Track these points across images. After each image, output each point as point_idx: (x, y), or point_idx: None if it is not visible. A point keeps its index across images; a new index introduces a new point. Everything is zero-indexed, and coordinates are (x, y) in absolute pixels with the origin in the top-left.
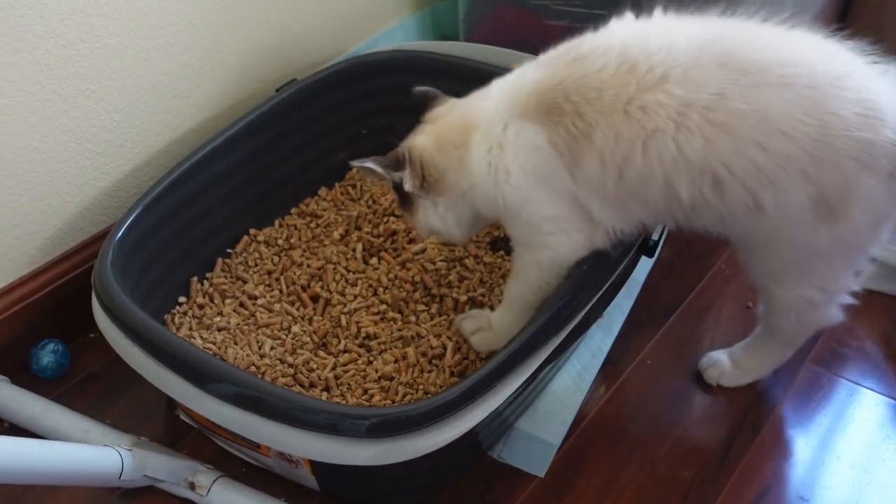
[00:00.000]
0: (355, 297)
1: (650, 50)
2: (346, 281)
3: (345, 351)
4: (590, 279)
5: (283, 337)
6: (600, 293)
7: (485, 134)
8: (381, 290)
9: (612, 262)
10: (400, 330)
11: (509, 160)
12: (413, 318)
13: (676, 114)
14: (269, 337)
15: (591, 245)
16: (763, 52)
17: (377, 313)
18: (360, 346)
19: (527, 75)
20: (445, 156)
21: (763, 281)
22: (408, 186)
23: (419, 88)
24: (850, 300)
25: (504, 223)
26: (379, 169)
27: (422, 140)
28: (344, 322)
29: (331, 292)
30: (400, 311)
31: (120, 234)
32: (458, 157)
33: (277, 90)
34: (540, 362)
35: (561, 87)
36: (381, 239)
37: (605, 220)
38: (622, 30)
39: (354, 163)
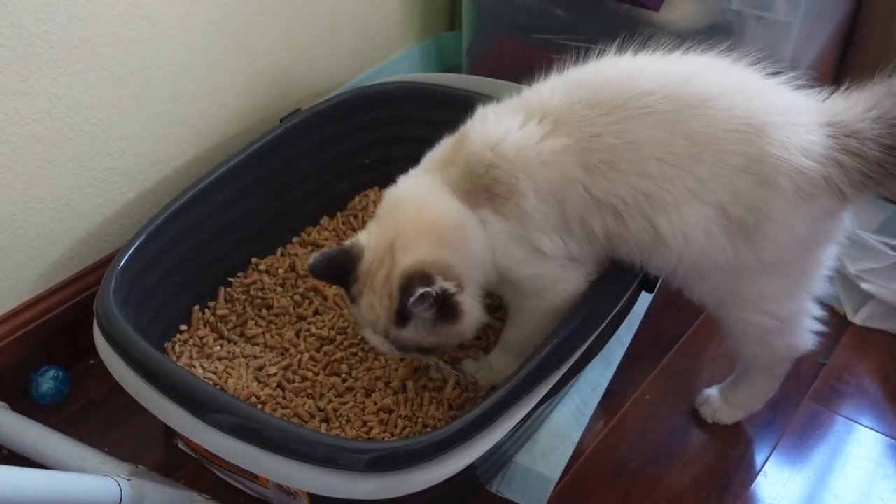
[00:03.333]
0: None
1: (532, 104)
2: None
3: (344, 382)
4: (590, 315)
5: (284, 368)
6: (600, 329)
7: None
8: None
9: (612, 299)
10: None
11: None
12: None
13: (579, 158)
14: (269, 366)
15: (583, 283)
16: (623, 86)
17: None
18: (359, 378)
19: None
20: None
21: (710, 308)
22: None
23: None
24: (817, 326)
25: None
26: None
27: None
28: (343, 356)
29: (332, 328)
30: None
31: (123, 261)
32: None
33: (282, 120)
34: (539, 398)
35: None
36: None
37: (579, 255)
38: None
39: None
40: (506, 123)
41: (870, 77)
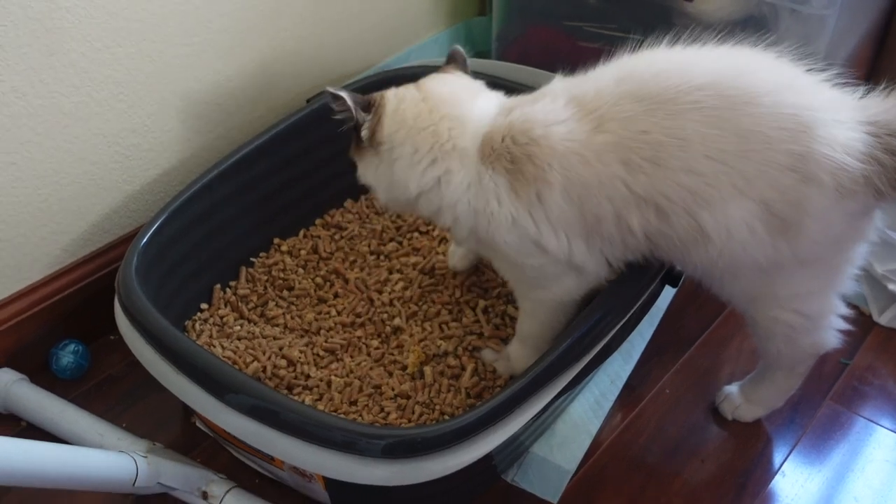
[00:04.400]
0: (382, 303)
1: (587, 94)
2: (369, 286)
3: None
4: (612, 308)
5: (303, 349)
6: (622, 322)
7: (464, 165)
8: (400, 300)
9: (636, 292)
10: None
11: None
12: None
13: (622, 156)
14: (289, 347)
15: (582, 287)
16: (673, 80)
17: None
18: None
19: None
20: (412, 136)
21: (739, 306)
22: (363, 134)
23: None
24: (842, 325)
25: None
26: (350, 103)
27: (400, 99)
28: (365, 333)
29: (352, 312)
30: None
31: (145, 238)
32: (428, 159)
33: (308, 101)
34: (559, 389)
35: (509, 132)
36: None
37: (580, 258)
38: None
39: (330, 88)
40: (557, 110)
41: None
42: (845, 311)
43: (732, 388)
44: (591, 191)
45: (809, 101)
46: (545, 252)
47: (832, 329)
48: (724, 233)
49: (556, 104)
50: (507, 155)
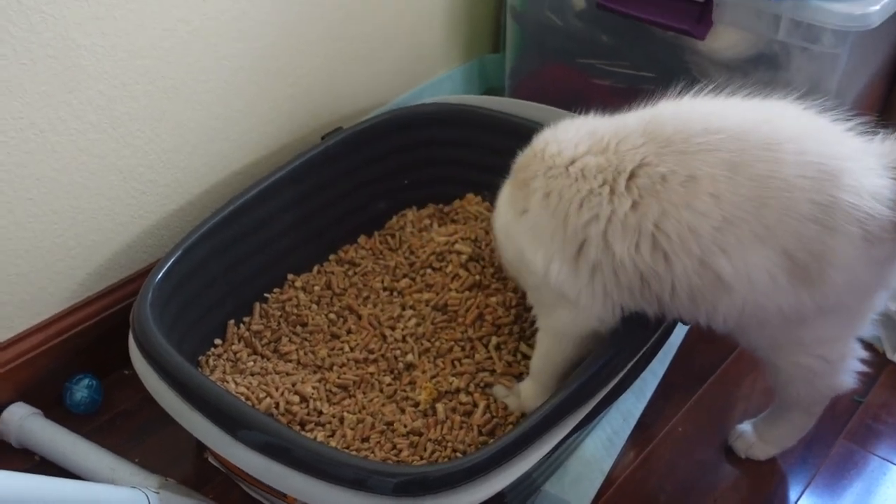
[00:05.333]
0: (395, 339)
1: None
2: (382, 322)
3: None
4: (624, 345)
5: (316, 385)
6: (635, 360)
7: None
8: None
9: (648, 330)
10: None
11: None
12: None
13: (607, 178)
14: (302, 383)
15: (578, 324)
16: (690, 124)
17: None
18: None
19: None
20: None
21: (761, 352)
22: None
23: None
24: (860, 367)
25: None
26: None
27: None
28: (378, 369)
29: (365, 348)
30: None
31: (161, 274)
32: None
33: (323, 138)
34: (571, 428)
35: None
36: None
37: (567, 287)
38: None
39: None
40: (570, 134)
41: None
42: (862, 353)
43: (746, 427)
44: (571, 206)
45: (834, 149)
46: (535, 275)
47: (850, 371)
48: (746, 281)
49: (578, 132)
50: (518, 168)
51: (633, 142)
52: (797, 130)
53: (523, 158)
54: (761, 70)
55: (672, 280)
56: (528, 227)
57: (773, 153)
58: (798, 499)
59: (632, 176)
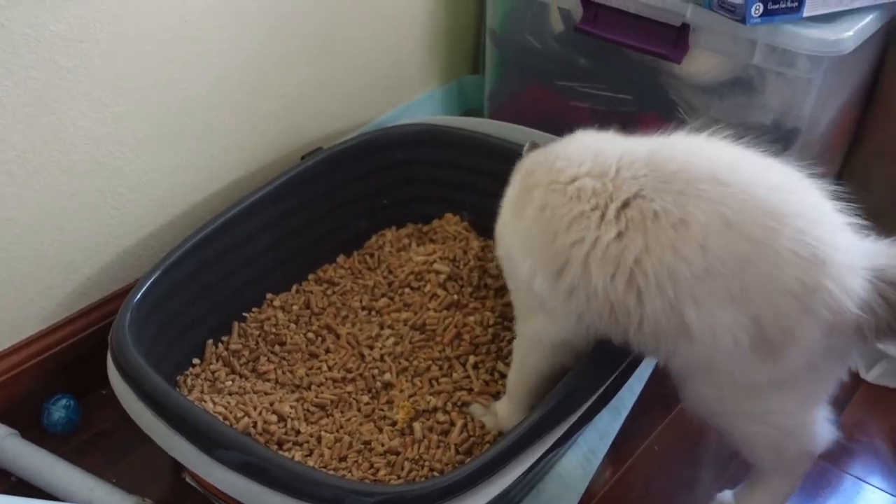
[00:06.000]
0: (373, 358)
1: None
2: (360, 342)
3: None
4: (601, 363)
5: (294, 405)
6: (612, 378)
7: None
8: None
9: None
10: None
11: None
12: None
13: (600, 203)
14: (280, 403)
15: (552, 335)
16: (698, 166)
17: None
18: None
19: None
20: None
21: (711, 420)
22: None
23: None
24: (830, 428)
25: None
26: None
27: None
28: (356, 388)
29: (343, 367)
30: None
31: (139, 294)
32: None
33: (303, 158)
34: (547, 447)
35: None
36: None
37: (548, 297)
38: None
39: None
40: (578, 153)
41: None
42: (830, 414)
43: (727, 496)
44: (561, 224)
45: (831, 238)
46: (519, 280)
47: (818, 435)
48: (710, 336)
49: (586, 151)
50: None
51: (635, 170)
52: (803, 209)
53: (534, 163)
54: (737, 93)
55: (641, 317)
56: (521, 232)
57: (775, 223)
58: None
59: (624, 205)
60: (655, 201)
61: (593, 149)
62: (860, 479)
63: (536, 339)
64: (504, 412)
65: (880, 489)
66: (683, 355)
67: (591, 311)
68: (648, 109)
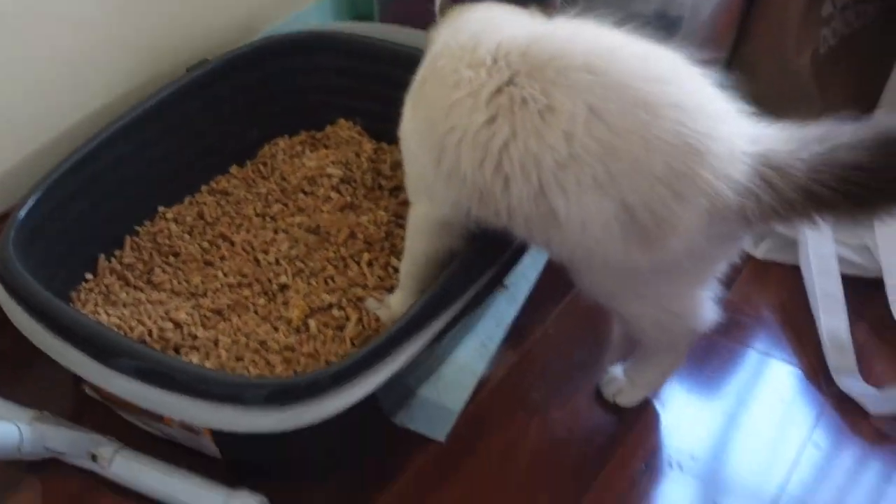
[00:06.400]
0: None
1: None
2: (255, 248)
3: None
4: (484, 251)
5: (190, 311)
6: (501, 262)
7: None
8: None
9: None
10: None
11: None
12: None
13: (473, 90)
14: (176, 311)
15: (431, 218)
16: (572, 55)
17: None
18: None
19: None
20: None
21: (603, 301)
22: None
23: None
24: (715, 307)
25: None
26: None
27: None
28: (252, 292)
29: (238, 273)
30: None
31: (24, 212)
32: None
33: (188, 69)
34: (435, 331)
35: None
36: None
37: (431, 179)
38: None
39: None
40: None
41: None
42: (717, 292)
43: (618, 371)
44: (440, 113)
45: (710, 127)
46: (409, 160)
47: (707, 313)
48: (578, 223)
49: (468, 41)
50: None
51: (511, 59)
52: (680, 99)
53: (432, 56)
54: None
55: (508, 203)
56: (413, 121)
57: (647, 114)
58: (666, 392)
59: (497, 92)
60: (525, 88)
61: (476, 34)
62: (749, 347)
63: (422, 222)
64: (397, 303)
65: (768, 355)
66: (558, 243)
67: (464, 196)
68: None
